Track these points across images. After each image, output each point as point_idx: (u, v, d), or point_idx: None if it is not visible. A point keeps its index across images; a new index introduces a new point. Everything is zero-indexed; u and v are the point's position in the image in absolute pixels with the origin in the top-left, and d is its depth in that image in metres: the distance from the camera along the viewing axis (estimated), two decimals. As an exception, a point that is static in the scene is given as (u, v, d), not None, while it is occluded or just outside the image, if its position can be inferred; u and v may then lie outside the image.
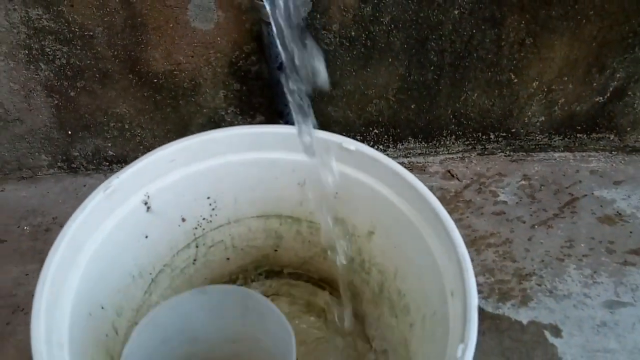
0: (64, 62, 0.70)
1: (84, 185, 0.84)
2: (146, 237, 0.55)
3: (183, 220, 0.58)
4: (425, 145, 0.88)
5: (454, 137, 0.87)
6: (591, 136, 0.89)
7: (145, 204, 0.53)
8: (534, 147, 0.90)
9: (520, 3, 0.69)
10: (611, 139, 0.89)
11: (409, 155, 0.89)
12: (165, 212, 0.55)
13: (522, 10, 0.70)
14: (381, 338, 0.62)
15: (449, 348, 0.41)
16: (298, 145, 0.55)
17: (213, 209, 0.60)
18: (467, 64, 0.76)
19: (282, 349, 0.47)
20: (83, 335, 0.45)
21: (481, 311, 0.69)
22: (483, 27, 0.72)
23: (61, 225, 0.45)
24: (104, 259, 0.48)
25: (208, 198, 0.59)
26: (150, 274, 0.57)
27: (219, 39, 0.70)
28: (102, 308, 0.49)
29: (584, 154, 0.90)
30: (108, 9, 0.66)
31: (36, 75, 0.72)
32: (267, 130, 0.56)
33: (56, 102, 0.75)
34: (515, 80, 0.79)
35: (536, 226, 0.79)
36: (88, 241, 0.47)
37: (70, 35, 0.68)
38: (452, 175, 0.87)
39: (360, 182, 0.55)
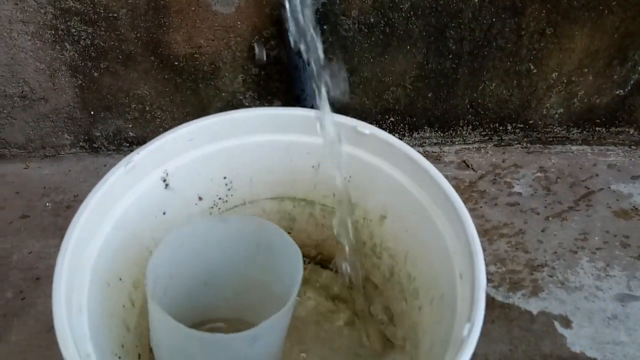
0: (89, 42, 0.72)
1: (105, 165, 0.87)
2: (164, 213, 0.56)
3: (200, 199, 0.60)
4: (441, 134, 0.88)
5: (470, 127, 0.87)
6: (610, 130, 0.88)
7: (164, 181, 0.54)
8: (551, 139, 0.89)
9: (541, -8, 0.69)
10: (631, 133, 0.88)
11: (424, 144, 0.89)
12: (182, 190, 0.57)
13: (543, -1, 0.70)
14: (391, 321, 0.63)
15: (456, 328, 0.42)
16: (313, 128, 0.56)
17: (229, 189, 0.61)
18: (486, 53, 0.76)
19: (286, 287, 0.47)
20: (101, 303, 0.46)
21: (491, 300, 0.69)
22: (503, 15, 0.71)
23: (82, 203, 0.46)
24: (122, 232, 0.50)
25: (224, 178, 0.60)
26: (167, 249, 0.59)
27: (239, 23, 0.71)
28: (120, 279, 0.51)
29: (602, 147, 0.89)
30: (132, -9, 0.67)
31: (61, 55, 0.73)
32: (284, 112, 0.57)
33: (80, 82, 0.77)
34: (535, 71, 0.78)
35: (550, 218, 0.79)
36: (108, 213, 0.48)
37: (95, 16, 0.69)
38: (467, 166, 0.87)
39: (373, 166, 0.56)
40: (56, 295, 0.39)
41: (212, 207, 0.61)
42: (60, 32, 0.71)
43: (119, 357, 0.47)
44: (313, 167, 0.60)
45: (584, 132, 0.88)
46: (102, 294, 0.47)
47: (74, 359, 0.36)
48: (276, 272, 0.53)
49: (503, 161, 0.88)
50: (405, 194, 0.54)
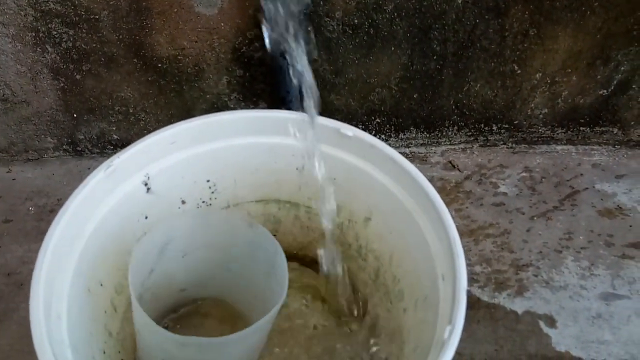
0: (70, 45, 0.71)
1: (89, 168, 0.86)
2: (146, 217, 0.56)
3: (183, 202, 0.59)
4: (427, 135, 0.88)
5: (456, 127, 0.87)
6: (594, 129, 0.88)
7: (146, 184, 0.54)
8: (536, 139, 0.90)
9: (524, -7, 0.69)
10: (615, 132, 0.89)
11: (410, 145, 0.89)
12: (165, 194, 0.56)
13: (526, 0, 0.70)
14: (377, 324, 0.63)
15: (438, 330, 0.42)
16: (297, 131, 0.56)
17: (213, 192, 0.61)
18: (470, 54, 0.76)
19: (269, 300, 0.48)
20: (82, 310, 0.46)
21: (477, 300, 0.70)
22: (486, 17, 0.71)
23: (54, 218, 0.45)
24: (103, 237, 0.50)
25: (208, 181, 0.60)
26: (150, 254, 0.58)
27: (222, 24, 0.70)
28: (101, 285, 0.50)
29: (586, 147, 0.90)
30: (113, -7, 0.66)
31: (43, 57, 0.73)
32: (268, 114, 0.57)
33: (62, 85, 0.76)
34: (519, 72, 0.79)
35: (535, 218, 0.79)
36: (89, 218, 0.48)
37: (77, 18, 0.68)
38: (453, 166, 0.87)
39: (357, 168, 0.56)
40: (34, 301, 0.38)
41: (196, 211, 0.61)
42: (41, 35, 0.70)
43: (100, 364, 0.47)
44: (297, 169, 0.60)
45: (569, 132, 0.89)
46: (83, 300, 0.46)
47: (51, 367, 0.35)
48: (262, 284, 0.53)
49: (489, 161, 0.88)
50: (389, 195, 0.54)
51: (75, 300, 0.44)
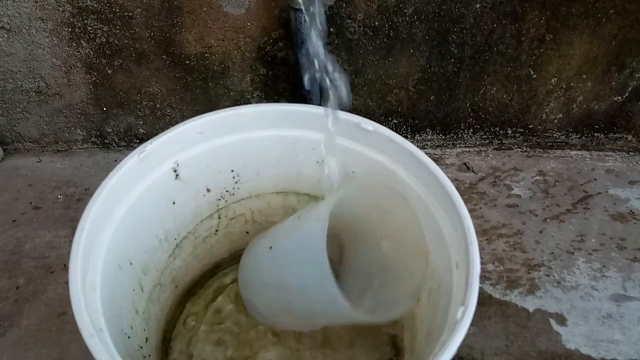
0: (104, 40, 0.75)
1: (115, 160, 0.89)
2: (173, 203, 0.58)
3: (208, 190, 0.62)
4: (443, 137, 0.90)
5: (471, 130, 0.89)
6: (609, 136, 0.90)
7: (175, 171, 0.57)
8: (550, 144, 0.91)
9: (541, -1, 0.71)
10: (629, 139, 0.90)
11: (426, 146, 0.91)
12: (192, 181, 0.59)
13: (543, 6, 0.72)
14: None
15: (451, 314, 0.44)
16: (319, 125, 0.58)
17: (236, 182, 0.63)
18: (487, 57, 0.78)
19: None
20: (113, 285, 0.48)
21: (488, 297, 0.71)
22: (504, 21, 0.74)
23: (92, 196, 0.48)
24: (134, 218, 0.52)
25: (232, 171, 0.62)
26: (175, 239, 0.61)
27: (248, 24, 0.73)
28: (131, 264, 0.53)
29: (600, 153, 0.91)
30: (147, -8, 0.70)
31: (77, 52, 0.76)
32: (290, 108, 0.59)
33: (94, 79, 0.79)
34: (534, 76, 0.81)
35: (548, 220, 0.81)
36: (122, 199, 0.51)
37: (111, 15, 0.72)
38: (468, 168, 0.89)
39: (375, 162, 0.58)
40: (73, 271, 0.41)
41: (220, 199, 0.63)
42: (77, 30, 0.74)
43: (129, 337, 0.49)
44: (318, 162, 0.62)
45: (583, 137, 0.90)
46: (114, 275, 0.49)
47: (89, 329, 0.38)
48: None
49: (503, 164, 0.90)
50: (407, 188, 0.55)
51: (108, 275, 0.47)
